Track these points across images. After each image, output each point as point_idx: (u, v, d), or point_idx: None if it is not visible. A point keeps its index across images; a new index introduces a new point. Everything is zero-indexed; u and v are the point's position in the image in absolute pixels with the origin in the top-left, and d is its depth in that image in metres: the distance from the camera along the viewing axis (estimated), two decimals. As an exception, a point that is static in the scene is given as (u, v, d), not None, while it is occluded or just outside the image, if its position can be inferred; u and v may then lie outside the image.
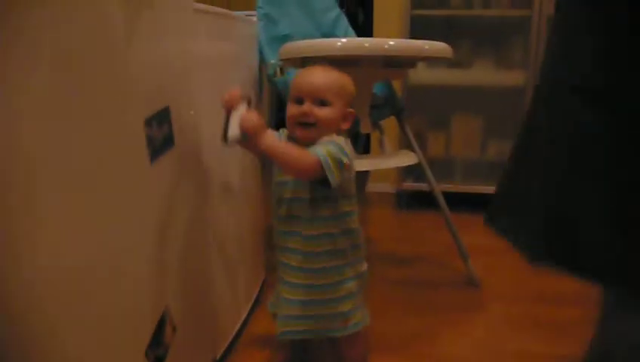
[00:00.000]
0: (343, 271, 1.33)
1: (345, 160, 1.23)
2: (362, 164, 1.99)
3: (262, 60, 1.95)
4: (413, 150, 2.00)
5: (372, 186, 3.08)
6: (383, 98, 2.05)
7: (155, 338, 1.13)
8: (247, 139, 1.20)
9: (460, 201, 2.17)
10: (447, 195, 2.06)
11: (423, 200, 2.75)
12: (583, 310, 1.88)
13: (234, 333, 1.68)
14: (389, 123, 2.25)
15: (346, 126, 1.31)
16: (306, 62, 1.85)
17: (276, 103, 1.97)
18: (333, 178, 1.20)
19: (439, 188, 2.05)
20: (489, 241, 2.39)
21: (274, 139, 1.22)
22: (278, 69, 1.97)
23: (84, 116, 0.89)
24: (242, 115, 1.21)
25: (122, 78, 1.00)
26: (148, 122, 1.08)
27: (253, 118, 1.20)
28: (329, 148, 1.21)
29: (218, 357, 1.55)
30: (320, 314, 1.33)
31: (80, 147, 0.88)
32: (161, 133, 1.13)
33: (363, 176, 3.12)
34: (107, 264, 0.97)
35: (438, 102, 2.79)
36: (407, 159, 1.93)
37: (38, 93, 0.79)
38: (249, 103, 1.27)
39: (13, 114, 0.76)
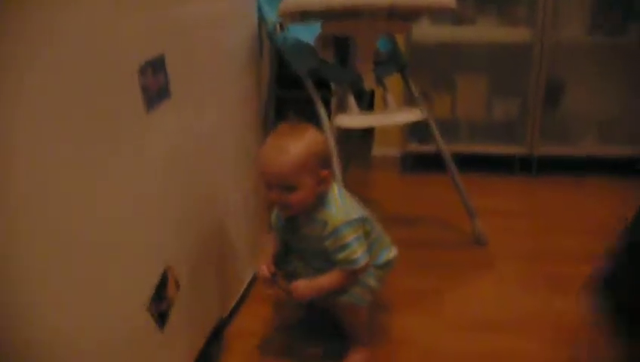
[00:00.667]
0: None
1: (357, 231, 1.29)
2: (367, 121, 1.95)
3: (261, 17, 1.89)
4: (418, 107, 1.95)
5: (377, 150, 3.03)
6: (386, 54, 2.00)
7: (158, 293, 1.10)
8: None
9: (465, 163, 2.12)
10: (453, 156, 2.02)
11: (428, 163, 2.70)
12: (589, 267, 1.86)
13: (241, 292, 1.66)
14: (393, 82, 2.20)
15: (324, 188, 1.30)
16: (305, 16, 1.80)
17: (276, 60, 1.91)
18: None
19: (447, 149, 2.01)
20: (495, 202, 2.38)
21: (320, 283, 1.30)
22: (277, 26, 1.92)
23: (75, 63, 0.85)
24: (293, 295, 1.32)
25: (115, 22, 0.95)
26: (142, 70, 1.03)
27: (298, 291, 1.30)
28: (349, 246, 1.27)
29: (225, 315, 1.53)
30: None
31: (73, 95, 0.84)
32: (156, 83, 1.09)
33: (368, 140, 3.08)
34: (105, 216, 0.93)
35: (443, 61, 2.72)
36: (413, 115, 1.89)
37: (28, 36, 0.74)
38: (276, 274, 1.36)
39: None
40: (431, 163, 2.55)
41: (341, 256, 1.28)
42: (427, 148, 2.72)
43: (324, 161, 1.29)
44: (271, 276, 1.34)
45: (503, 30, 2.65)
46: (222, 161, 1.49)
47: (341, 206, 1.30)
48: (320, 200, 1.30)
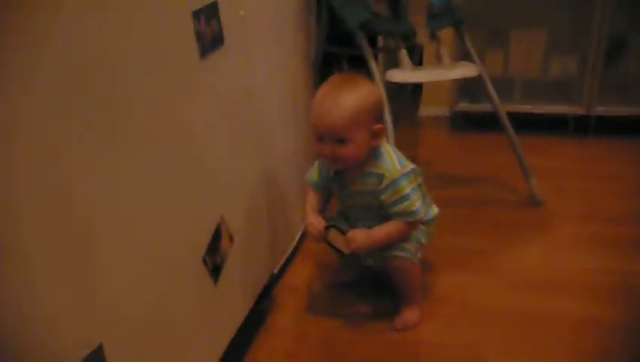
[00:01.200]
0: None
1: (414, 182, 1.27)
2: (421, 76, 1.89)
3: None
4: (473, 63, 1.87)
5: (425, 110, 2.94)
6: (440, 7, 1.91)
7: (212, 246, 1.09)
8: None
9: (519, 122, 2.04)
10: (507, 116, 1.93)
11: (478, 122, 2.62)
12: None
13: (292, 248, 1.65)
14: (446, 36, 2.11)
15: (376, 143, 1.25)
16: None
17: (326, 14, 1.85)
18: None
19: (502, 107, 1.93)
20: (548, 163, 2.29)
21: (376, 233, 1.27)
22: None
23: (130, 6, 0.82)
24: (348, 244, 1.27)
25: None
26: (196, 15, 1.00)
27: (357, 240, 1.26)
28: (407, 197, 1.25)
29: (276, 270, 1.52)
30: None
31: (128, 39, 0.81)
32: (209, 29, 1.06)
33: (416, 97, 2.99)
34: (159, 165, 0.92)
35: (498, 16, 2.60)
36: (468, 70, 1.81)
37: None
38: (330, 226, 1.31)
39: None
40: (481, 122, 2.48)
41: (400, 207, 1.25)
42: (478, 108, 2.64)
43: (378, 115, 1.24)
44: (322, 230, 1.31)
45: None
46: (272, 114, 1.46)
47: (396, 158, 1.27)
48: (373, 154, 1.26)
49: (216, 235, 1.11)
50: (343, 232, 1.29)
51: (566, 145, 2.54)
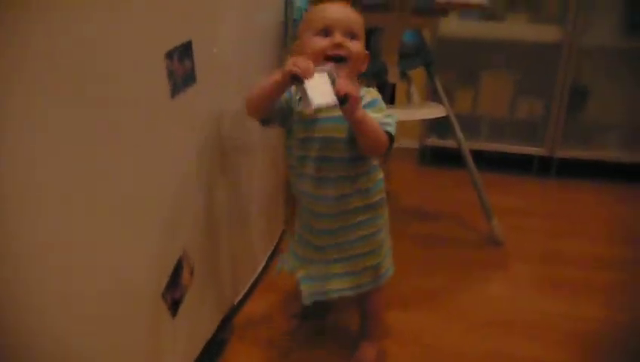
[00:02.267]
0: (375, 223, 1.31)
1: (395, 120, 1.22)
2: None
3: (288, 4, 1.87)
4: (441, 103, 1.92)
5: (395, 142, 3.00)
6: (413, 47, 1.97)
7: (173, 281, 1.10)
8: (345, 104, 1.08)
9: (484, 160, 2.10)
10: (473, 153, 1.99)
11: (445, 158, 2.68)
12: (608, 273, 1.84)
13: (252, 280, 1.66)
14: (416, 76, 2.17)
15: (364, 68, 1.25)
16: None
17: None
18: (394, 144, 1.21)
19: (467, 146, 1.98)
20: (511, 201, 2.36)
21: (365, 113, 1.13)
22: (303, 13, 1.89)
23: (102, 45, 0.84)
24: (341, 81, 1.08)
25: (142, 8, 0.94)
26: (169, 55, 1.02)
27: (350, 84, 1.09)
28: (389, 116, 1.20)
29: (236, 302, 1.53)
30: (349, 271, 1.31)
31: (98, 77, 0.83)
32: (182, 68, 1.08)
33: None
34: (124, 201, 0.93)
35: (468, 57, 2.68)
36: (437, 111, 1.86)
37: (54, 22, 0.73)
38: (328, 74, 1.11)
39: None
40: (449, 157, 2.53)
41: (380, 115, 1.18)
42: (446, 143, 2.70)
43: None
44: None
45: (532, 28, 2.60)
46: (244, 150, 1.48)
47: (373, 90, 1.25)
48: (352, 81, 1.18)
49: (177, 269, 1.12)
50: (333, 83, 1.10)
51: (529, 184, 2.62)
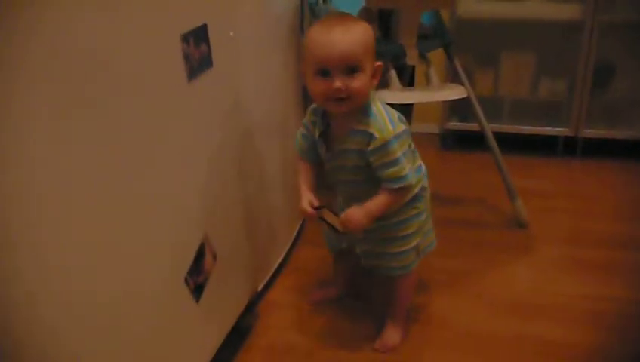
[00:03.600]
0: (415, 206, 1.32)
1: (404, 145, 1.21)
2: (410, 97, 1.90)
3: (304, -13, 1.85)
4: (462, 84, 1.89)
5: (415, 126, 2.96)
6: (431, 28, 1.94)
7: (195, 266, 1.10)
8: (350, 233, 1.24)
9: (506, 142, 2.06)
10: (495, 136, 1.96)
11: (468, 142, 2.64)
12: (634, 253, 1.80)
13: (275, 267, 1.65)
14: (436, 57, 2.14)
15: (376, 82, 1.22)
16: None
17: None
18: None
19: (489, 128, 1.95)
20: (536, 183, 2.32)
21: (371, 208, 1.21)
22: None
23: (119, 27, 0.84)
24: (342, 220, 1.22)
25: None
26: (185, 38, 1.02)
27: (352, 220, 1.20)
28: (397, 162, 1.18)
29: (260, 288, 1.53)
30: (396, 252, 1.33)
31: (115, 60, 0.83)
32: (198, 52, 1.07)
33: (406, 115, 3.02)
34: (144, 187, 0.93)
35: (488, 38, 2.63)
36: (457, 92, 1.83)
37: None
38: (323, 207, 1.25)
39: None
40: (471, 141, 2.50)
41: (389, 171, 1.19)
42: (468, 126, 2.66)
43: (374, 52, 1.20)
44: (316, 210, 1.25)
45: (552, 7, 2.54)
46: (261, 134, 1.47)
47: (387, 118, 1.20)
48: (362, 111, 1.20)
49: (200, 254, 1.12)
50: (335, 213, 1.24)
51: (553, 166, 2.57)
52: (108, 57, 0.82)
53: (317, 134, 1.27)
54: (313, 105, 1.29)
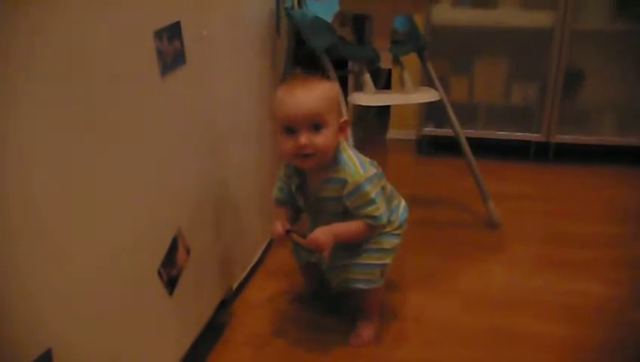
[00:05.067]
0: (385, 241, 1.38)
1: (377, 186, 1.29)
2: (383, 99, 1.94)
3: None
4: (435, 88, 1.93)
5: (392, 132, 3.01)
6: (404, 33, 1.98)
7: (168, 258, 1.11)
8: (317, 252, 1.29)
9: (481, 147, 2.11)
10: (469, 141, 2.00)
11: (443, 147, 2.69)
12: (605, 251, 1.85)
13: (251, 266, 1.67)
14: (411, 63, 2.18)
15: (343, 137, 1.29)
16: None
17: (293, 37, 1.91)
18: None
19: (463, 133, 1.99)
20: (510, 187, 2.37)
21: (338, 230, 1.27)
22: (295, 2, 1.91)
23: (90, 24, 0.85)
24: (311, 239, 1.25)
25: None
26: (157, 35, 1.04)
27: (318, 240, 1.24)
28: (371, 202, 1.26)
29: (234, 286, 1.54)
30: (364, 264, 1.35)
31: (88, 57, 0.85)
32: (172, 48, 1.09)
33: (384, 122, 3.06)
34: (116, 180, 0.94)
35: (462, 45, 2.69)
36: (430, 95, 1.87)
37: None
38: (292, 230, 1.30)
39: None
40: (446, 146, 2.54)
41: (365, 211, 1.27)
42: (443, 132, 2.70)
43: (340, 109, 1.28)
44: (285, 233, 1.30)
45: (524, 15, 2.60)
46: (236, 131, 1.49)
47: (358, 163, 1.28)
48: (334, 160, 1.27)
49: (173, 247, 1.13)
50: (303, 236, 1.29)
51: (526, 170, 2.63)
52: (82, 51, 0.83)
53: (294, 188, 1.36)
54: (285, 164, 1.38)
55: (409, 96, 1.89)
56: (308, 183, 1.34)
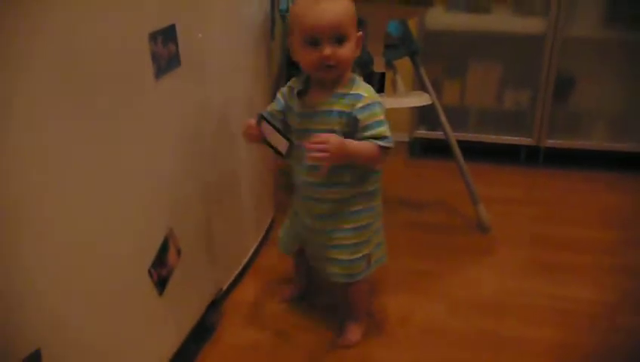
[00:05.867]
0: (369, 214, 1.36)
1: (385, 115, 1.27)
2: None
3: (274, -5, 1.90)
4: (427, 92, 1.95)
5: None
6: (397, 38, 2.00)
7: (159, 258, 1.12)
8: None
9: (472, 151, 2.13)
10: (461, 144, 2.03)
11: (435, 149, 2.70)
12: (595, 256, 1.87)
13: (242, 266, 1.68)
14: (404, 67, 2.20)
15: (359, 52, 1.29)
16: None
17: (288, 40, 1.92)
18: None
19: (454, 136, 2.01)
20: (500, 191, 2.39)
21: (352, 143, 1.22)
22: (289, 4, 1.92)
23: (85, 25, 0.86)
24: (320, 146, 1.17)
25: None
26: (152, 37, 1.05)
27: (330, 140, 1.18)
28: (383, 123, 1.24)
29: (225, 287, 1.55)
30: (343, 259, 1.36)
31: (83, 58, 0.86)
32: (166, 51, 1.11)
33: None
34: (110, 180, 0.96)
35: (455, 49, 2.71)
36: (422, 99, 1.89)
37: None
38: (264, 119, 1.27)
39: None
40: (438, 149, 2.56)
41: (376, 131, 1.23)
42: (435, 135, 2.72)
43: (356, 24, 1.28)
44: (258, 122, 1.28)
45: (517, 20, 2.63)
46: (230, 134, 1.51)
47: (371, 88, 1.29)
48: (350, 78, 1.29)
49: (164, 247, 1.14)
50: (278, 130, 1.26)
51: (517, 174, 2.65)
52: (78, 54, 0.84)
53: (295, 93, 1.32)
54: (294, 78, 1.37)
55: (401, 100, 1.91)
56: (311, 96, 1.31)
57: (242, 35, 1.60)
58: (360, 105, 1.24)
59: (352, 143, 1.23)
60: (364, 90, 1.27)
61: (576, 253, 1.90)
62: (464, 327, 1.50)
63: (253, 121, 1.29)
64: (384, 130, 1.25)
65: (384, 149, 1.25)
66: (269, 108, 1.39)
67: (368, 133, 1.24)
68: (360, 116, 1.24)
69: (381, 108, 1.26)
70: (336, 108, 1.27)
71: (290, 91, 1.35)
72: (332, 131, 1.24)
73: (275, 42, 1.92)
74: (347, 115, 1.25)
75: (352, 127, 1.25)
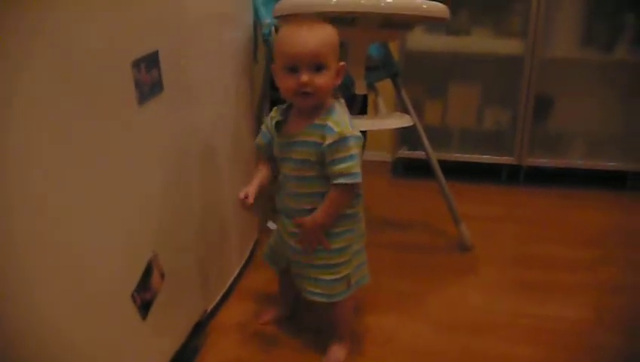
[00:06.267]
0: (350, 236, 1.36)
1: (359, 148, 1.28)
2: (357, 125, 1.98)
3: (257, 20, 1.93)
4: (408, 113, 1.99)
5: (368, 155, 3.06)
6: (378, 60, 2.04)
7: (142, 283, 1.13)
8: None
9: (455, 170, 2.17)
10: (443, 164, 2.06)
11: (417, 169, 2.74)
12: (576, 275, 1.90)
13: (226, 288, 1.68)
14: (386, 89, 2.23)
15: (339, 81, 1.31)
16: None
17: (271, 62, 1.94)
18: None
19: (435, 156, 2.04)
20: (482, 210, 2.42)
21: (322, 214, 1.29)
22: (273, 29, 1.95)
23: (69, 58, 0.88)
24: (302, 238, 1.33)
25: (107, 18, 0.98)
26: (135, 64, 1.06)
27: (308, 234, 1.31)
28: (353, 157, 1.25)
29: (209, 309, 1.55)
30: (323, 279, 1.36)
31: (65, 87, 0.87)
32: (149, 77, 1.12)
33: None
34: (93, 204, 0.96)
35: (436, 70, 2.77)
36: (403, 121, 1.92)
37: (22, 31, 0.77)
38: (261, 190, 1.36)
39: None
40: (420, 169, 2.59)
41: (343, 166, 1.24)
42: (417, 154, 2.76)
43: (338, 54, 1.29)
44: (245, 199, 1.35)
45: (496, 42, 2.69)
46: (214, 157, 1.52)
47: (348, 119, 1.28)
48: (328, 108, 1.29)
49: (147, 271, 1.15)
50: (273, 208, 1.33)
51: (498, 193, 2.69)
52: (57, 84, 0.85)
53: (273, 123, 1.36)
54: (277, 106, 1.39)
55: (383, 121, 1.93)
56: (290, 126, 1.33)
57: (225, 57, 1.62)
58: (329, 140, 1.24)
59: (320, 212, 1.30)
60: (337, 123, 1.25)
61: (557, 271, 1.93)
62: (449, 347, 1.51)
63: (242, 196, 1.35)
64: (351, 165, 1.25)
65: (350, 186, 1.27)
66: (257, 140, 1.42)
67: (335, 168, 1.25)
68: (327, 152, 1.25)
69: (355, 141, 1.26)
70: (312, 139, 1.28)
71: (271, 121, 1.38)
72: (308, 161, 1.28)
73: (258, 66, 1.94)
74: (319, 146, 1.27)
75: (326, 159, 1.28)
